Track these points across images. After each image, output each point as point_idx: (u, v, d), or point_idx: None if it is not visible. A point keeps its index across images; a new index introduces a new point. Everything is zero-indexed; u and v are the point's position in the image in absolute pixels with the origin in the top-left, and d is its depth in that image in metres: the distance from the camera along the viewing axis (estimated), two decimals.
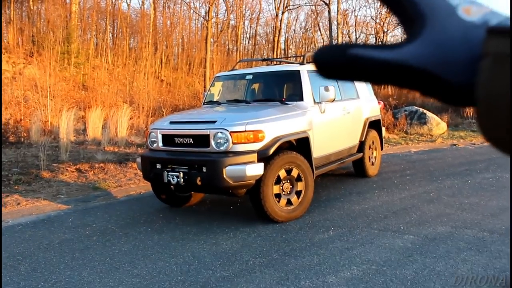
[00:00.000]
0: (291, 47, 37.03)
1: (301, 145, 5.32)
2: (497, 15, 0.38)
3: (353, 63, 0.38)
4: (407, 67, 0.37)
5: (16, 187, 6.81)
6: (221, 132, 4.66)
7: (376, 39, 33.98)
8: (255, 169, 4.59)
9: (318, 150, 5.55)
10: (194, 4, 30.40)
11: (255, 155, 4.64)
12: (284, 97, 5.88)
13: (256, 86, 6.53)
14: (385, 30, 32.78)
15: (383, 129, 8.11)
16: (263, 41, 37.05)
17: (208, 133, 4.73)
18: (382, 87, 31.42)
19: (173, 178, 4.79)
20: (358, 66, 0.38)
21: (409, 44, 0.38)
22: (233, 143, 4.63)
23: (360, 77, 0.39)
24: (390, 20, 32.64)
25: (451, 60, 0.37)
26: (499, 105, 0.33)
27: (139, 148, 10.19)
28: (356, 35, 34.54)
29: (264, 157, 4.68)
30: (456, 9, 0.38)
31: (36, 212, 5.67)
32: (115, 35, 27.06)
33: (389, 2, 0.41)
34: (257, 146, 4.69)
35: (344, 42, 0.39)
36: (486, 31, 0.36)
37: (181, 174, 4.73)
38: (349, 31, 34.05)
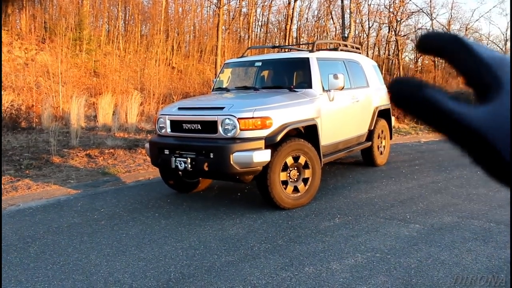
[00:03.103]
0: (303, 35, 36.73)
1: (309, 132, 5.31)
2: None
3: (426, 105, 0.36)
4: (472, 130, 0.35)
5: (27, 171, 6.90)
6: (228, 118, 4.67)
7: (389, 28, 33.59)
8: (262, 156, 4.60)
9: (326, 138, 5.54)
10: None
11: (263, 141, 4.65)
12: (293, 84, 5.87)
13: (265, 73, 6.51)
14: (398, 19, 32.38)
15: (393, 118, 8.06)
16: (275, 29, 36.79)
17: (216, 119, 4.74)
18: (394, 76, 31.11)
19: (180, 164, 4.82)
20: (430, 110, 0.36)
21: (482, 107, 0.36)
22: (241, 130, 4.64)
23: (426, 119, 0.37)
24: (403, 9, 32.23)
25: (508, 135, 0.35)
26: None
27: (148, 134, 10.25)
28: (369, 24, 34.17)
29: (271, 144, 4.69)
30: None
31: (46, 196, 5.75)
32: (126, 22, 27.07)
33: (465, 68, 0.39)
34: (264, 132, 4.69)
35: (420, 80, 0.38)
36: None
37: (189, 160, 4.76)
38: (362, 20, 33.67)
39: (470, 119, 0.35)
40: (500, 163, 0.35)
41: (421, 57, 37.64)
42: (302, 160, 5.01)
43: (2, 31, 18.56)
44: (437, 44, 0.40)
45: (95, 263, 3.61)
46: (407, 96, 0.37)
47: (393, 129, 7.95)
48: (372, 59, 8.84)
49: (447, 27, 34.11)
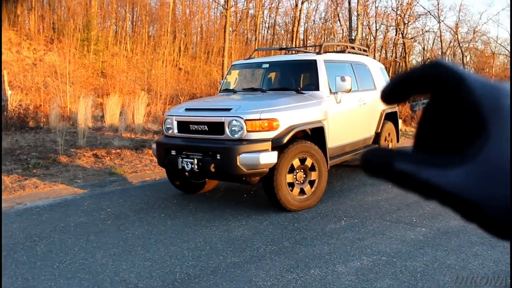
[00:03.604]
0: (310, 37, 36.74)
1: (316, 134, 5.31)
2: None
3: (398, 177, 0.35)
4: (452, 195, 0.34)
5: (35, 170, 6.94)
6: (235, 120, 4.67)
7: (396, 31, 33.53)
8: (269, 158, 4.60)
9: (333, 140, 5.54)
10: None
11: (269, 143, 4.65)
12: (300, 86, 5.87)
13: (272, 75, 6.52)
14: (406, 22, 32.31)
15: (400, 121, 8.04)
16: (282, 31, 36.85)
17: (223, 121, 4.75)
18: None
19: (187, 165, 4.83)
20: (402, 181, 0.35)
21: (459, 167, 0.34)
22: (248, 131, 4.64)
23: (404, 188, 0.36)
24: (411, 12, 32.16)
25: (499, 194, 0.33)
26: None
27: (155, 135, 10.28)
28: (376, 26, 34.13)
29: (278, 145, 4.69)
30: None
31: (53, 195, 5.78)
32: (134, 23, 27.20)
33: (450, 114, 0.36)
34: (271, 134, 4.70)
35: (391, 150, 0.36)
36: None
37: (195, 161, 4.77)
38: (369, 22, 33.64)
39: (450, 185, 0.34)
40: (490, 221, 0.33)
41: (429, 60, 37.46)
42: (308, 162, 5.01)
43: (12, 31, 18.70)
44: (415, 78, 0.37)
45: (101, 262, 3.62)
46: (378, 170, 0.36)
47: (400, 132, 7.93)
48: (379, 61, 8.82)
49: (454, 29, 33.98)
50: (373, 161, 0.36)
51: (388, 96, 0.39)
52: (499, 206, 0.32)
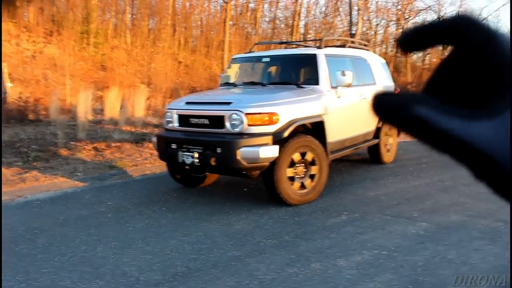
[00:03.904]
0: (310, 31, 36.59)
1: (316, 129, 5.30)
2: None
3: (415, 124, 0.33)
4: (473, 148, 0.32)
5: (35, 163, 6.93)
6: (236, 114, 4.67)
7: (397, 26, 33.43)
8: (269, 151, 4.60)
9: (333, 134, 5.53)
10: None
11: (270, 137, 4.65)
12: (301, 80, 5.85)
13: (272, 69, 6.50)
14: (406, 17, 32.21)
15: None
16: (282, 25, 36.68)
17: (223, 114, 4.74)
18: (401, 74, 31.00)
19: (187, 158, 4.83)
20: (420, 128, 0.33)
21: (486, 120, 0.32)
22: (248, 125, 4.63)
23: (418, 137, 0.34)
24: (411, 7, 32.06)
25: None
26: None
27: (155, 129, 10.26)
28: (376, 21, 34.02)
29: (278, 139, 4.69)
30: None
31: (54, 188, 5.78)
32: (134, 16, 27.07)
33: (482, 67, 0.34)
34: (272, 128, 4.69)
35: (408, 92, 0.33)
36: None
37: (196, 155, 4.77)
38: (369, 17, 33.52)
39: (473, 137, 0.32)
40: (504, 180, 0.32)
41: (429, 55, 37.39)
42: (309, 156, 5.01)
43: (10, 23, 18.62)
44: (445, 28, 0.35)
45: (102, 255, 3.63)
46: (394, 114, 0.33)
47: None
48: (379, 56, 8.79)
49: None
50: (387, 103, 0.34)
51: (406, 41, 0.37)
52: None
